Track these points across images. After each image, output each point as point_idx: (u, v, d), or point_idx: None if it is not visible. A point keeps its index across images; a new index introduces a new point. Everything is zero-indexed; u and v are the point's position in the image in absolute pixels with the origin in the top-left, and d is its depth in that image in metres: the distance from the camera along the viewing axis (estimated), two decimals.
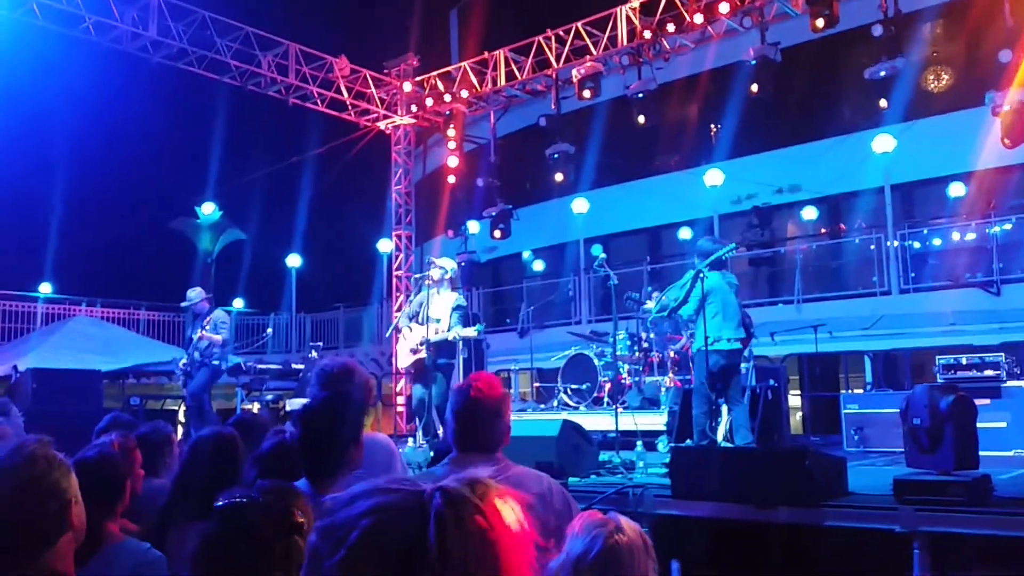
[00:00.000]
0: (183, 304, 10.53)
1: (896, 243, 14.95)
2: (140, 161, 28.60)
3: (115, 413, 5.05)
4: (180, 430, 10.41)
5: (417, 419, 8.87)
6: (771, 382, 8.99)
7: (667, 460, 6.57)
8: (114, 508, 2.82)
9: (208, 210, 27.14)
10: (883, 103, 12.07)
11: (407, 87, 16.82)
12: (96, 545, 2.58)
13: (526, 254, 19.79)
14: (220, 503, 1.82)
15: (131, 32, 13.42)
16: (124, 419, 4.66)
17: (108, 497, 2.78)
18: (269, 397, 10.86)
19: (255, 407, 10.67)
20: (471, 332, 8.61)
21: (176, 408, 12.59)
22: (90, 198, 27.15)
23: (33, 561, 1.94)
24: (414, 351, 8.67)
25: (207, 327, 9.95)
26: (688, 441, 7.74)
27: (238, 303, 22.69)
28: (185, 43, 13.95)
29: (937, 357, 9.58)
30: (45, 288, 20.07)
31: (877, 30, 11.40)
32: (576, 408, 10.53)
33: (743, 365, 9.07)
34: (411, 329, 8.76)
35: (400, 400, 16.64)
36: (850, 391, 14.27)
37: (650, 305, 8.92)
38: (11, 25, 12.42)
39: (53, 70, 14.83)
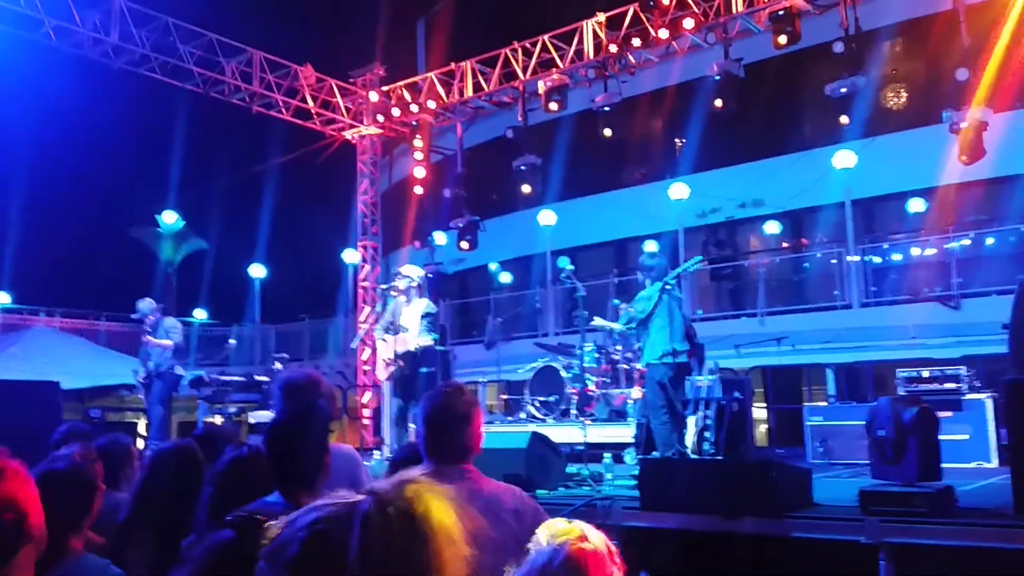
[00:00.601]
0: (133, 316, 10.51)
1: (857, 258, 15.17)
2: (101, 168, 28.23)
3: (71, 423, 4.91)
4: (141, 443, 10.21)
5: (394, 431, 8.79)
6: (736, 394, 9.04)
7: (635, 472, 6.57)
8: (81, 521, 2.75)
9: (169, 219, 26.79)
10: (844, 119, 12.22)
11: (373, 97, 16.73)
12: (56, 559, 2.50)
13: (493, 266, 19.76)
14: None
15: (92, 37, 13.18)
16: (81, 429, 4.53)
17: (76, 510, 2.71)
18: (232, 410, 10.68)
19: (218, 419, 10.50)
20: (427, 340, 8.48)
21: (136, 420, 12.35)
22: (49, 205, 26.73)
23: None
24: (389, 363, 8.59)
25: (155, 333, 9.99)
26: (655, 453, 7.76)
27: (200, 314, 22.40)
28: (148, 49, 13.72)
29: (899, 370, 9.70)
30: (2, 298, 19.63)
31: (838, 47, 11.56)
32: (544, 420, 10.50)
33: (709, 377, 9.13)
34: (385, 341, 8.68)
35: (366, 412, 16.50)
36: (813, 403, 14.41)
37: (598, 322, 8.93)
38: None
39: (10, 73, 14.50)
